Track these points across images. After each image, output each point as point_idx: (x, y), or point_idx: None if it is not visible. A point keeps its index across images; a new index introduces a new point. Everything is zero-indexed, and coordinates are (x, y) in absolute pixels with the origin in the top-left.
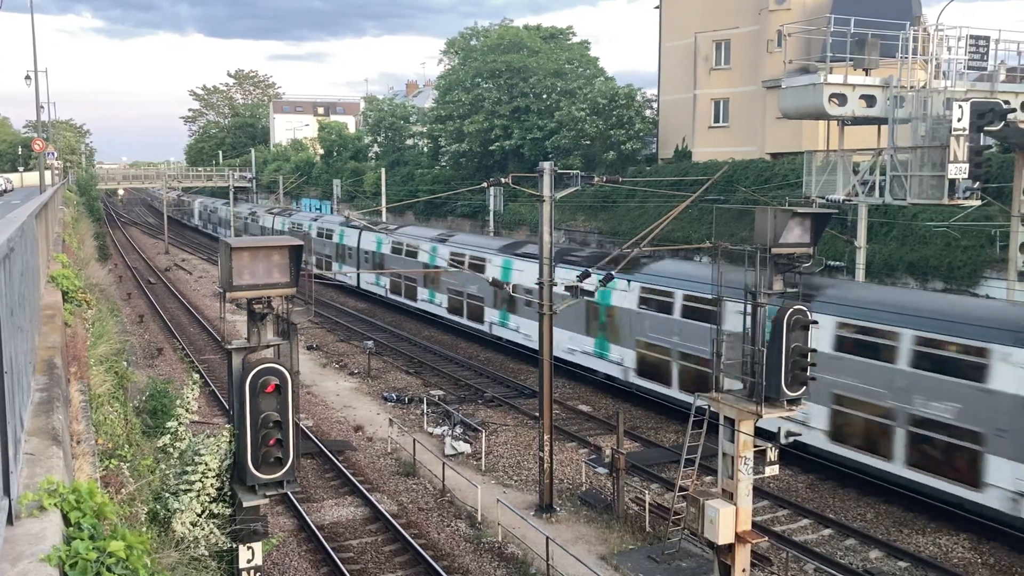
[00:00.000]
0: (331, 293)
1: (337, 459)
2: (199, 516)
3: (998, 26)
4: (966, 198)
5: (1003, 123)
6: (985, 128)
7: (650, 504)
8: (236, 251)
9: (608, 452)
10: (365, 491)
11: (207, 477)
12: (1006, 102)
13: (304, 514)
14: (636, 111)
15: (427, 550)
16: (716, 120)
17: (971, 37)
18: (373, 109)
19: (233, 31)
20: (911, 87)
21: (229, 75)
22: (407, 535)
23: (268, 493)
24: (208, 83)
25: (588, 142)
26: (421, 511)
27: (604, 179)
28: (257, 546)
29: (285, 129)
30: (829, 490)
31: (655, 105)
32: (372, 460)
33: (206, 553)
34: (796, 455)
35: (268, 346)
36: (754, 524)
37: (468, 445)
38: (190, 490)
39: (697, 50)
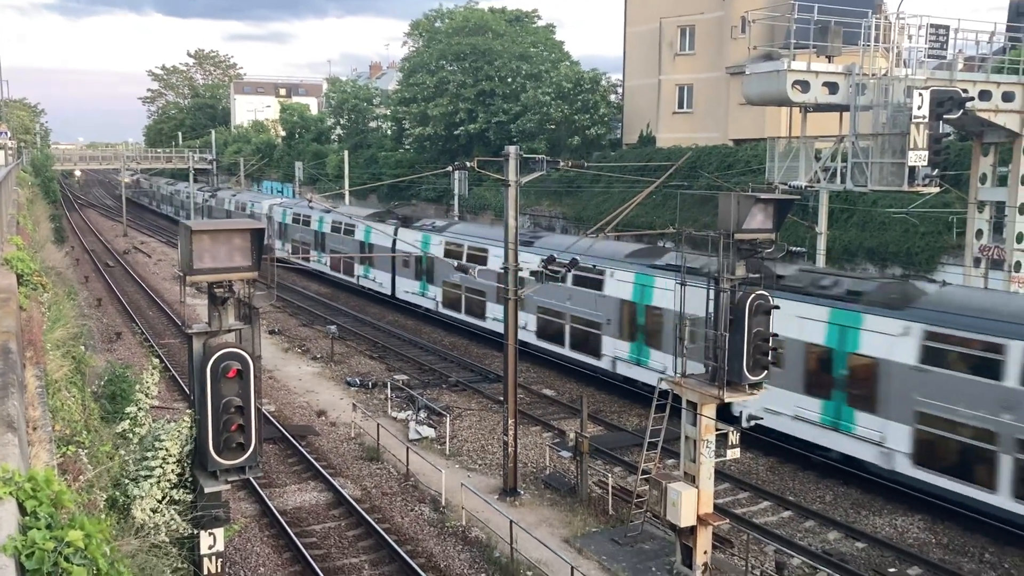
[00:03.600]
0: (293, 277)
1: (300, 444)
2: (159, 502)
3: (955, 15)
4: (925, 185)
5: (961, 111)
6: (944, 116)
7: (613, 487)
8: (196, 234)
9: (572, 436)
10: (328, 476)
11: (168, 463)
12: (964, 90)
13: (267, 499)
14: (601, 96)
15: (391, 534)
16: (680, 106)
17: (931, 26)
18: (336, 91)
19: (192, 10)
20: (873, 75)
21: (189, 55)
22: (371, 520)
23: (230, 479)
24: (167, 63)
25: (553, 127)
26: (385, 496)
27: (569, 164)
28: (219, 532)
29: (246, 110)
30: (789, 473)
31: (620, 90)
32: (335, 445)
33: (167, 540)
34: (757, 438)
35: (229, 331)
36: (715, 507)
37: (432, 429)
38: (150, 476)
39: (662, 35)
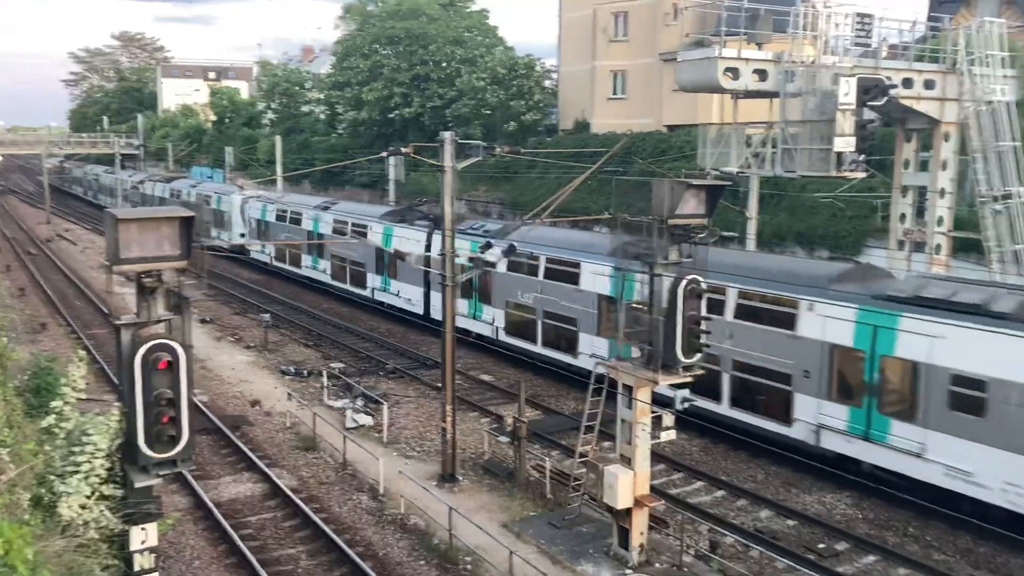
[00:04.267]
0: (224, 265)
1: (234, 435)
2: (88, 499)
3: (879, 4)
4: (852, 170)
5: (886, 98)
6: (869, 103)
7: (551, 471)
8: (123, 223)
9: (510, 421)
10: (264, 466)
11: (96, 458)
12: (888, 78)
13: (200, 492)
14: (536, 82)
15: (328, 524)
16: (614, 92)
17: (857, 14)
18: (267, 74)
19: None
20: (801, 62)
21: (113, 37)
22: (308, 510)
23: (161, 472)
24: (91, 45)
25: (488, 112)
26: (322, 485)
27: (505, 150)
28: (151, 527)
29: (174, 94)
30: (721, 453)
31: (555, 76)
32: (270, 435)
33: (96, 537)
34: (690, 420)
35: (159, 321)
36: (651, 488)
37: (370, 417)
38: (78, 471)
39: (596, 22)
